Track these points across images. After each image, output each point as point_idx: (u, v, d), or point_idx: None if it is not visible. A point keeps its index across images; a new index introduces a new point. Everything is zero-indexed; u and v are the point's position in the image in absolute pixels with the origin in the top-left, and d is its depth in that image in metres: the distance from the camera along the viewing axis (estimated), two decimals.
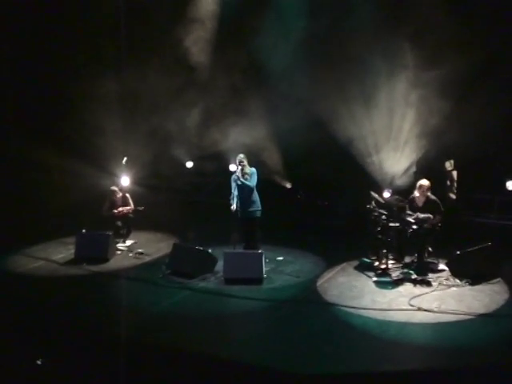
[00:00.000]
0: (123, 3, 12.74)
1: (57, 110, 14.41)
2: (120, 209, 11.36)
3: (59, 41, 14.03)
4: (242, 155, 9.99)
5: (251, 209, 9.89)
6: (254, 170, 10.00)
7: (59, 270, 10.07)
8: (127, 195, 11.55)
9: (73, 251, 10.60)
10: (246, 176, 9.88)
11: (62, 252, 10.94)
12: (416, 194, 9.71)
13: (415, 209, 9.59)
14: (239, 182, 9.84)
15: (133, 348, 7.00)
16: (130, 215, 11.51)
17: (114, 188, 11.52)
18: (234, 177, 9.99)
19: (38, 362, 6.05)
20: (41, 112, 14.45)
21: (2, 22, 13.99)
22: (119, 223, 11.37)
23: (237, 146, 12.71)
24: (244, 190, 9.88)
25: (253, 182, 9.89)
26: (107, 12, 13.32)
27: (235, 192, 9.92)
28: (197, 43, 13.70)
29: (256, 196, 9.94)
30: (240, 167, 9.87)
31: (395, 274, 9.28)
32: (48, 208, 12.96)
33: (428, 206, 9.58)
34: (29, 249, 11.13)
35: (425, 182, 9.68)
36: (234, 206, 9.89)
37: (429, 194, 9.64)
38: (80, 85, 13.63)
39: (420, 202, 9.69)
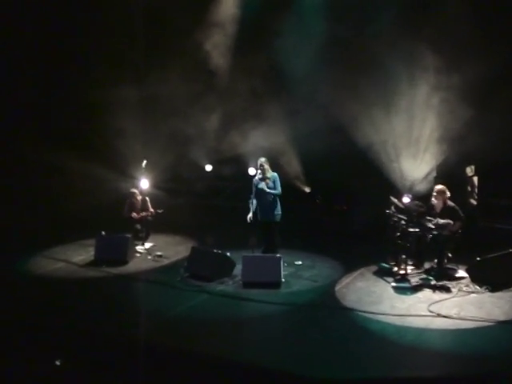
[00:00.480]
0: (142, 8, 12.85)
1: (77, 114, 14.57)
2: (140, 214, 11.45)
3: (80, 45, 14.20)
4: (263, 159, 9.98)
5: (271, 213, 9.88)
6: (275, 174, 9.97)
7: (78, 272, 10.17)
8: (146, 198, 11.63)
9: (92, 253, 10.70)
10: (268, 181, 9.86)
11: (81, 254, 11.05)
12: (433, 200, 9.66)
13: (434, 215, 9.52)
14: (261, 187, 9.79)
15: (151, 351, 7.02)
16: (149, 218, 11.57)
17: (134, 190, 11.60)
18: (254, 180, 9.98)
19: (57, 363, 6.10)
20: (62, 116, 14.62)
21: (25, 27, 14.20)
22: (138, 226, 11.44)
23: (256, 150, 12.73)
24: (265, 194, 9.87)
25: (278, 188, 9.87)
26: (128, 16, 13.45)
27: (254, 199, 9.90)
28: (217, 47, 13.77)
29: (276, 200, 9.93)
30: (260, 171, 9.87)
31: (414, 280, 9.23)
32: (68, 210, 13.11)
33: (446, 212, 9.50)
34: (49, 251, 11.26)
35: (437, 187, 9.66)
36: (250, 215, 9.88)
37: (447, 199, 9.57)
38: (101, 89, 13.76)
39: (438, 208, 9.63)
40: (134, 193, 11.55)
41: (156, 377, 6.76)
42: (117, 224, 11.41)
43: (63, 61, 14.50)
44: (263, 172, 9.87)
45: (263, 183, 9.86)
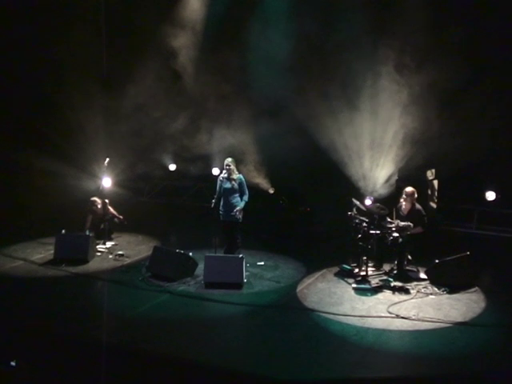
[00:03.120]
0: (106, 4, 12.70)
1: (38, 110, 14.29)
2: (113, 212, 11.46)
3: (41, 40, 13.90)
4: (229, 159, 9.94)
5: (233, 213, 9.87)
6: (241, 177, 9.94)
7: (38, 271, 9.97)
8: (106, 201, 11.49)
9: (52, 252, 10.50)
10: (233, 182, 9.84)
11: (41, 252, 10.84)
12: (402, 201, 9.81)
13: (401, 217, 9.66)
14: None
15: (111, 351, 6.94)
16: (116, 220, 11.54)
17: (94, 198, 11.45)
18: (219, 179, 9.94)
19: (13, 364, 5.96)
20: (21, 112, 14.32)
21: None
22: (102, 225, 11.34)
23: (221, 151, 12.75)
24: (229, 194, 9.86)
25: (246, 192, 9.84)
26: (92, 12, 13.29)
27: (216, 197, 9.87)
28: (182, 46, 13.71)
29: (239, 201, 9.91)
30: (225, 170, 9.84)
31: (375, 281, 9.34)
32: (28, 208, 12.87)
33: (412, 214, 9.65)
34: (7, 248, 11.01)
35: (408, 189, 9.81)
36: (212, 205, 9.84)
37: (415, 202, 9.72)
38: (63, 85, 13.56)
39: (405, 210, 9.77)
40: (95, 201, 11.42)
41: (116, 377, 6.67)
42: (77, 222, 11.27)
43: (23, 57, 14.17)
44: (229, 172, 9.84)
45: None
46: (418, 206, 9.77)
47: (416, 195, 9.79)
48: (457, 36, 10.97)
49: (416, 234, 9.49)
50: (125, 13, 13.40)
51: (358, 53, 11.94)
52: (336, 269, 10.00)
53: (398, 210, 9.86)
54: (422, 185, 11.81)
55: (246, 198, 9.86)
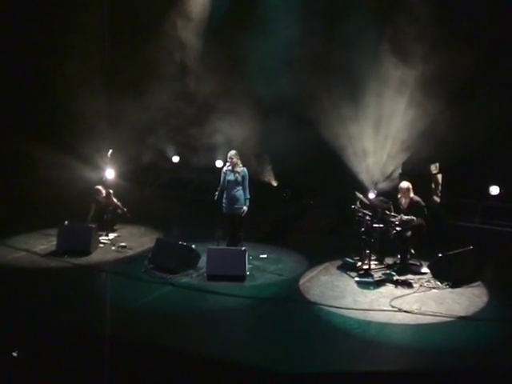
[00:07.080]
0: None
1: (41, 101, 14.26)
2: (116, 202, 11.49)
3: (43, 26, 13.86)
4: (233, 152, 9.94)
5: (236, 206, 9.86)
6: (245, 170, 9.93)
7: (40, 262, 9.97)
8: (110, 191, 11.49)
9: (55, 243, 10.49)
10: (237, 175, 9.83)
11: (43, 244, 10.84)
12: (400, 197, 9.79)
13: (401, 211, 9.64)
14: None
15: (113, 343, 6.95)
16: (119, 211, 11.55)
17: (99, 187, 11.45)
18: (223, 171, 9.93)
19: (14, 354, 5.97)
20: (25, 103, 14.30)
21: None
22: (105, 216, 11.35)
23: (224, 143, 12.74)
24: (233, 187, 9.85)
25: (247, 187, 9.86)
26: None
27: (220, 191, 9.87)
28: (187, 38, 13.70)
29: (241, 194, 9.89)
30: (229, 163, 9.83)
31: (377, 275, 9.32)
32: (31, 199, 12.88)
33: (412, 207, 9.63)
34: (10, 239, 11.01)
35: (403, 184, 9.79)
36: (215, 197, 9.84)
37: (412, 195, 9.69)
38: (66, 76, 13.54)
39: (405, 205, 9.75)
40: (99, 190, 11.42)
41: (118, 368, 6.68)
42: (80, 214, 11.27)
43: (25, 46, 14.13)
44: (232, 164, 9.83)
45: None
46: (415, 197, 9.73)
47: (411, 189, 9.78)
48: (465, 26, 10.91)
49: (419, 228, 9.45)
50: (129, 3, 13.38)
51: (364, 44, 11.89)
52: (339, 262, 9.97)
53: (398, 205, 9.83)
54: (425, 179, 11.77)
55: (247, 194, 9.88)
